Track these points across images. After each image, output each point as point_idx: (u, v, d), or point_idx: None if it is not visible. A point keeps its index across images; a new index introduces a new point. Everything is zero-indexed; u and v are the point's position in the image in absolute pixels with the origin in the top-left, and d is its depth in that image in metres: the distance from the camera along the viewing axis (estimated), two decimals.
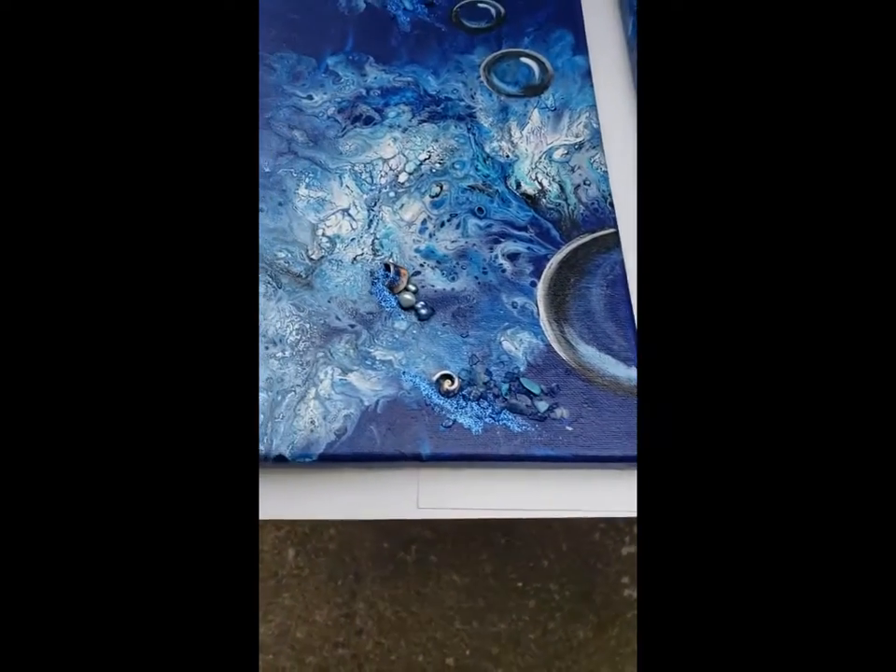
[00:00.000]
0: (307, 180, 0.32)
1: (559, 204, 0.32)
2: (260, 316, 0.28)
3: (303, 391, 0.26)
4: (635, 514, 0.25)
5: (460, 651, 0.95)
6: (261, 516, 0.27)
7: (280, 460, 0.25)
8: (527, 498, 0.26)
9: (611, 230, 0.31)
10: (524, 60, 0.37)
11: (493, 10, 0.40)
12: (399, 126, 0.34)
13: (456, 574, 0.98)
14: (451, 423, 0.26)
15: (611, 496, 0.26)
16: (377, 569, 0.98)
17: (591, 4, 0.41)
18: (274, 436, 0.25)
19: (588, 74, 0.37)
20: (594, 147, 0.34)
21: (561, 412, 0.26)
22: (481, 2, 0.40)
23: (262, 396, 0.26)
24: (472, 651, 0.96)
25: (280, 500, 0.27)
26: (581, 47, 0.38)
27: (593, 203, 0.32)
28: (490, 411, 0.26)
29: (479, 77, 0.37)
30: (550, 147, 0.34)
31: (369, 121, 0.34)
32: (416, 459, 0.25)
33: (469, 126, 0.34)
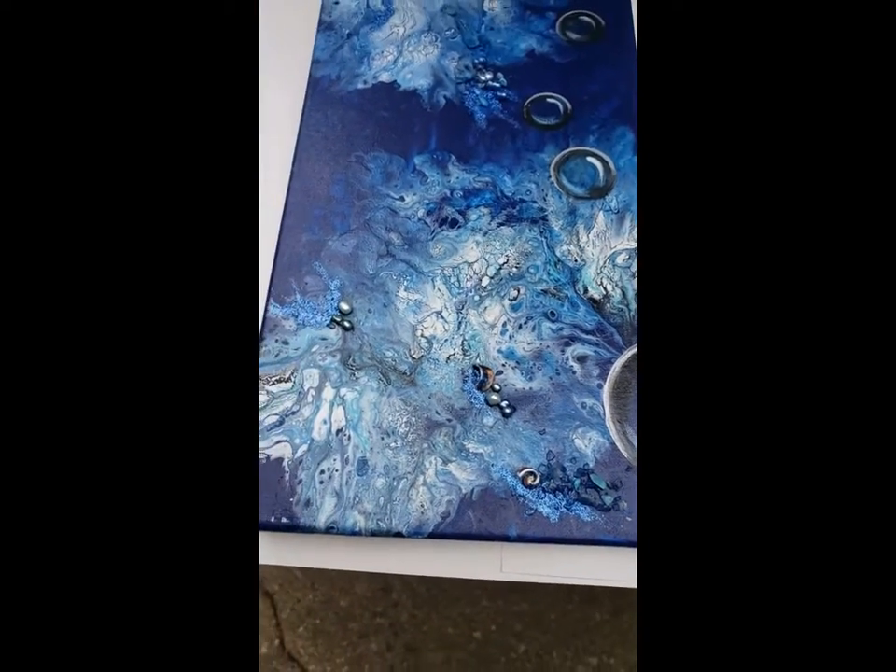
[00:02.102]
0: (405, 283, 0.38)
1: (621, 310, 0.37)
2: (375, 410, 0.34)
3: (413, 478, 0.33)
4: None
5: (486, 626, 1.05)
6: (370, 569, 0.34)
7: (398, 535, 0.32)
8: (593, 570, 0.33)
9: None
10: (589, 159, 0.42)
11: (561, 106, 0.44)
12: (480, 230, 0.39)
13: None
14: (533, 511, 0.32)
15: None
16: None
17: None
18: (393, 516, 0.32)
19: None
20: None
21: (623, 504, 0.32)
22: (549, 97, 0.44)
23: (381, 480, 0.33)
24: (497, 626, 1.05)
25: (387, 560, 0.33)
26: None
27: None
28: (564, 502, 0.32)
29: (549, 177, 0.41)
30: (613, 251, 0.39)
31: (454, 224, 0.40)
32: (504, 540, 0.32)
33: (542, 229, 0.39)
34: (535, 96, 0.44)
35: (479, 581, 1.04)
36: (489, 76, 0.45)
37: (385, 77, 0.45)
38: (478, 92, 0.44)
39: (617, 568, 0.33)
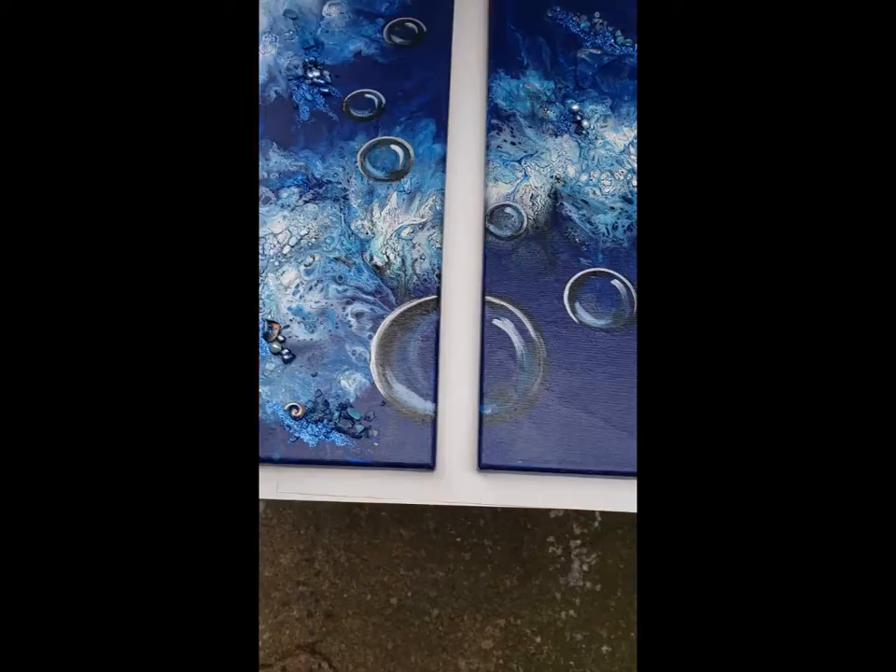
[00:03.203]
0: None
1: (399, 275, 0.43)
2: None
3: None
4: (412, 502, 0.38)
5: (403, 593, 1.11)
6: None
7: None
8: (348, 490, 0.39)
9: (433, 296, 0.43)
10: (393, 147, 0.48)
11: (376, 101, 0.50)
12: (288, 206, 0.46)
13: (403, 528, 1.13)
14: (295, 438, 0.38)
15: (401, 489, 0.39)
16: (334, 521, 1.13)
17: (458, 90, 0.51)
18: None
19: (443, 160, 0.48)
20: (433, 227, 0.45)
21: (373, 432, 0.39)
22: (368, 93, 0.50)
23: None
24: (413, 593, 1.12)
25: None
26: (441, 135, 0.48)
27: (423, 275, 0.43)
28: (324, 431, 0.39)
29: (356, 162, 0.47)
30: (400, 226, 0.45)
31: (266, 201, 0.46)
32: (270, 462, 0.38)
33: (342, 207, 0.46)
34: (355, 92, 0.50)
35: (396, 547, 1.10)
36: (317, 73, 0.51)
37: None
38: (305, 88, 0.50)
39: (373, 486, 0.39)
